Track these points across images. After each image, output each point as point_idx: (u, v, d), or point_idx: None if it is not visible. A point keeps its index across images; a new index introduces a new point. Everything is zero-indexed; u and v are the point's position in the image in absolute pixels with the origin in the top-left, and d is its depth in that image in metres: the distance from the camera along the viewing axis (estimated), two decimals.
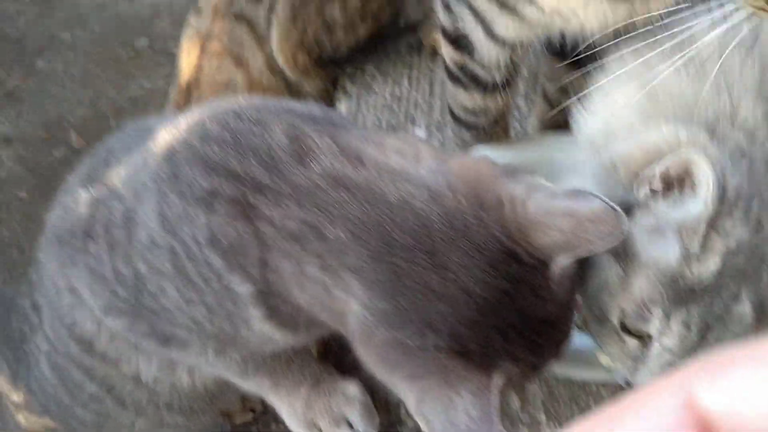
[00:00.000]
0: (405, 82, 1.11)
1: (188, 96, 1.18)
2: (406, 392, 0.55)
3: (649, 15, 0.69)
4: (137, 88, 2.29)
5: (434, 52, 1.13)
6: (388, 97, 1.09)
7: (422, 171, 0.59)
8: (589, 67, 0.89)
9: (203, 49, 1.13)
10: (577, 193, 0.57)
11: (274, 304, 0.62)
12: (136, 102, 2.26)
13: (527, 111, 1.06)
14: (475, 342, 0.54)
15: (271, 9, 1.10)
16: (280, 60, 1.12)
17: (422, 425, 0.55)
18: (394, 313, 0.55)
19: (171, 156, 0.65)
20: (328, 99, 1.16)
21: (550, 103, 0.95)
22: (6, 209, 2.00)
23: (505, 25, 0.77)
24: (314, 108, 0.71)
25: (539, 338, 0.57)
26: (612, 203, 0.55)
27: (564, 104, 0.91)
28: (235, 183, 0.60)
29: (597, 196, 0.56)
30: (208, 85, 1.15)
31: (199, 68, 1.14)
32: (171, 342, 0.70)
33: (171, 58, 2.35)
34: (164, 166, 0.65)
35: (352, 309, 0.57)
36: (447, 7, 0.82)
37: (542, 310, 0.56)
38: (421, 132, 1.02)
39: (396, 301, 0.55)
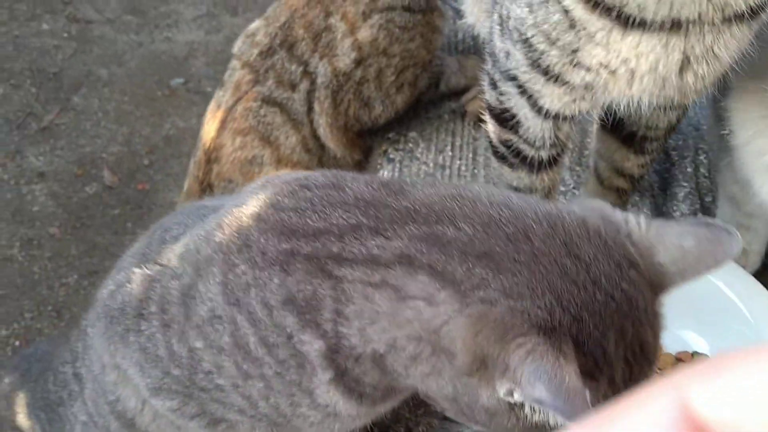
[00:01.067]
0: (448, 150, 1.11)
1: (208, 170, 1.18)
2: (514, 368, 0.54)
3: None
4: (171, 126, 2.32)
5: (477, 120, 1.13)
6: (431, 164, 1.09)
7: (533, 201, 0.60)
8: (650, 151, 0.89)
9: (224, 125, 1.14)
10: (693, 219, 0.58)
11: (344, 366, 0.61)
12: (169, 141, 2.28)
13: (573, 184, 1.06)
14: (592, 334, 0.54)
15: (309, 97, 1.12)
16: (331, 143, 1.14)
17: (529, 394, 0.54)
18: (524, 285, 0.55)
19: (240, 228, 0.65)
20: (364, 169, 1.17)
21: (602, 182, 0.95)
22: (37, 245, 2.01)
23: (551, 96, 0.77)
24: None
25: (634, 359, 0.57)
26: (728, 226, 0.58)
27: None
28: (315, 240, 0.60)
29: (711, 221, 0.59)
30: (230, 161, 1.15)
31: (220, 144, 1.15)
32: (219, 424, 0.70)
33: (205, 98, 2.38)
34: (233, 238, 0.65)
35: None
36: (493, 84, 0.83)
37: (644, 331, 0.56)
38: None
39: (529, 275, 0.55)
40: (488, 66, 0.84)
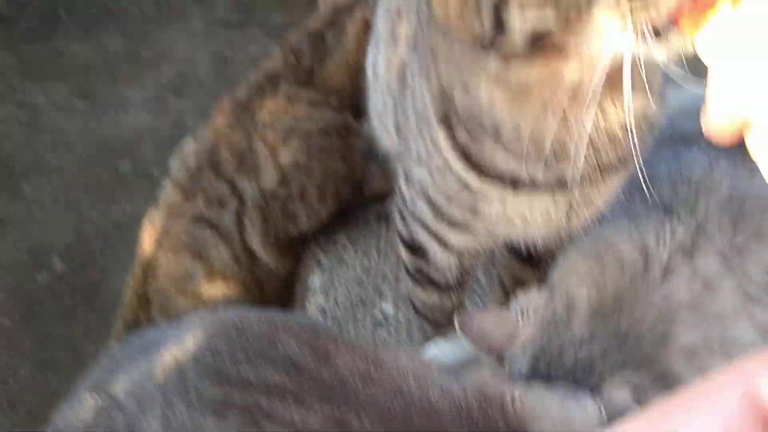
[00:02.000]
0: (374, 253, 1.20)
1: (145, 285, 1.25)
2: None
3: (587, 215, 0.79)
4: (120, 211, 2.37)
5: None
6: (358, 269, 1.17)
7: (435, 373, 0.69)
8: (541, 264, 0.99)
9: (159, 243, 1.21)
10: (569, 392, 0.66)
11: None
12: (119, 226, 2.33)
13: (487, 285, 1.15)
14: None
15: (239, 215, 1.20)
16: (264, 256, 1.21)
17: None
18: None
19: (179, 369, 0.72)
20: (296, 275, 1.25)
21: (506, 291, 1.04)
22: None
23: (457, 239, 0.86)
24: (299, 317, 0.79)
25: None
26: (599, 405, 0.65)
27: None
28: (247, 392, 0.68)
29: (587, 396, 0.66)
30: (165, 276, 1.22)
31: (155, 260, 1.22)
32: None
33: (152, 182, 2.43)
34: (172, 378, 0.72)
35: None
36: (403, 219, 0.92)
37: None
38: (389, 307, 1.09)
39: None
40: (398, 201, 0.93)
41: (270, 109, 1.22)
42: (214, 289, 1.19)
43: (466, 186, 0.76)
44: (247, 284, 1.21)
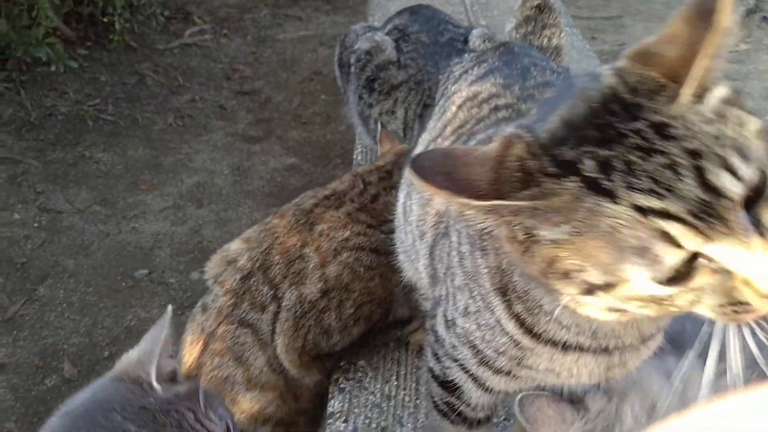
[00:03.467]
0: (394, 380, 1.22)
1: (200, 364, 1.26)
2: None
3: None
4: (133, 317, 2.40)
5: (420, 350, 1.24)
6: (378, 395, 1.19)
7: None
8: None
9: (206, 347, 1.24)
10: None
11: None
12: (130, 332, 2.35)
13: (504, 416, 1.16)
14: None
15: (274, 319, 1.23)
16: (286, 362, 1.23)
17: None
18: None
19: None
20: (324, 390, 1.26)
21: None
22: None
23: (498, 382, 0.88)
24: None
25: None
26: None
27: None
28: None
29: None
30: (208, 380, 1.24)
31: (200, 364, 1.24)
32: None
33: (167, 289, 2.49)
34: None
35: None
36: (437, 358, 0.94)
37: None
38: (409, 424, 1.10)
39: None
40: (431, 342, 0.95)
41: (330, 221, 1.27)
42: (252, 400, 1.21)
43: (517, 344, 0.79)
44: (283, 394, 1.22)
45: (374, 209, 1.31)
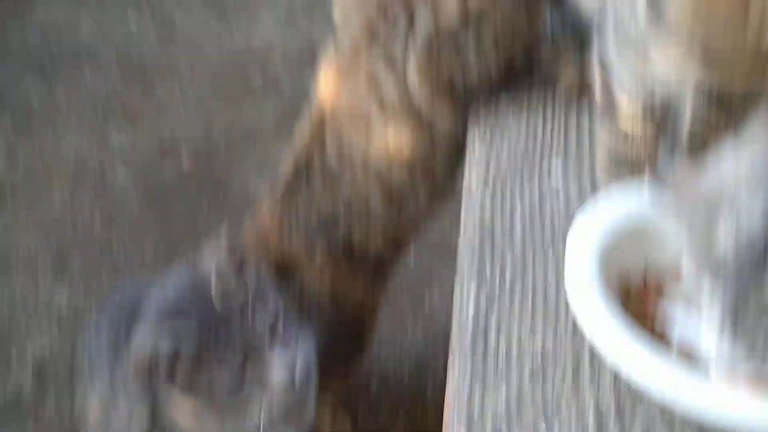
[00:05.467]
0: (540, 121, 1.13)
1: (320, 126, 1.21)
2: None
3: None
4: (248, 121, 2.39)
5: (569, 92, 1.15)
6: (522, 135, 1.11)
7: None
8: None
9: (339, 75, 1.17)
10: None
11: None
12: (246, 135, 2.34)
13: None
14: None
15: (407, 42, 1.14)
16: (417, 95, 1.15)
17: None
18: None
19: None
20: (459, 138, 1.19)
21: None
22: (117, 222, 2.08)
23: None
24: None
25: None
26: None
27: None
28: None
29: None
30: (344, 116, 1.19)
31: (337, 97, 1.18)
32: None
33: (282, 98, 2.45)
34: None
35: None
36: None
37: None
38: (557, 179, 1.03)
39: None
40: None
41: None
42: (387, 135, 1.16)
43: None
44: (418, 136, 1.16)
45: None
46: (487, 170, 1.06)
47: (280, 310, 0.99)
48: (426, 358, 1.72)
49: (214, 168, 2.25)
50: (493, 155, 1.08)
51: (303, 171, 1.21)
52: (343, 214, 1.20)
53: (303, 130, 1.23)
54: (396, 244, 1.28)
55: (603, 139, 0.95)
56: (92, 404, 1.12)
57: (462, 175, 1.27)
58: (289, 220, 1.22)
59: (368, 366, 1.63)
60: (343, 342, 1.30)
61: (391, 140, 1.16)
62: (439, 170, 1.22)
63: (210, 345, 0.92)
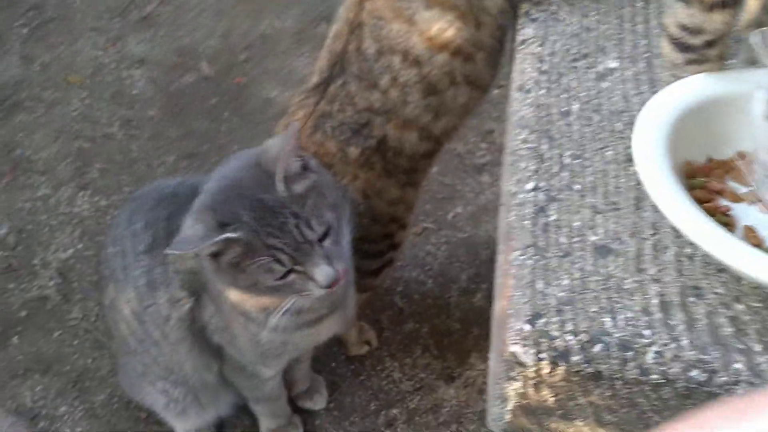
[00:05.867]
0: (593, 14, 1.08)
1: (360, 8, 1.15)
2: None
3: None
4: (267, 26, 2.32)
5: None
6: (576, 26, 1.06)
7: None
8: None
9: None
10: None
11: None
12: (265, 39, 2.29)
13: None
14: None
15: None
16: None
17: None
18: None
19: None
20: (509, 21, 1.14)
21: None
22: (136, 126, 2.05)
23: None
24: None
25: None
26: None
27: None
28: None
29: None
30: (385, 8, 1.12)
31: None
32: None
33: (301, 2, 2.37)
34: None
35: None
36: None
37: None
38: (613, 62, 0.99)
39: None
40: None
41: None
42: (431, 19, 1.10)
43: None
44: (465, 15, 1.10)
45: None
46: (543, 48, 1.02)
47: (338, 203, 0.96)
48: (449, 270, 1.70)
49: (234, 72, 2.20)
50: (547, 40, 1.04)
51: (339, 68, 1.17)
52: (379, 111, 1.16)
53: (339, 28, 1.18)
54: (429, 142, 1.23)
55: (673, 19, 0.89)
56: (128, 296, 1.11)
57: (501, 70, 1.23)
58: (323, 119, 1.18)
59: (391, 283, 1.62)
60: (377, 240, 1.28)
61: (435, 22, 1.11)
62: (481, 55, 1.17)
63: (262, 233, 0.89)
